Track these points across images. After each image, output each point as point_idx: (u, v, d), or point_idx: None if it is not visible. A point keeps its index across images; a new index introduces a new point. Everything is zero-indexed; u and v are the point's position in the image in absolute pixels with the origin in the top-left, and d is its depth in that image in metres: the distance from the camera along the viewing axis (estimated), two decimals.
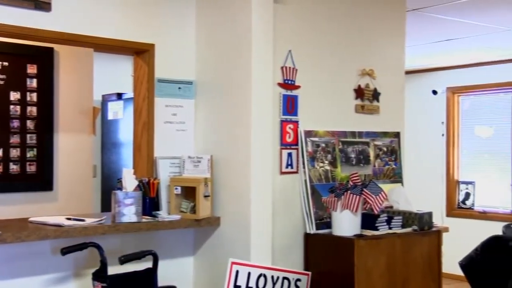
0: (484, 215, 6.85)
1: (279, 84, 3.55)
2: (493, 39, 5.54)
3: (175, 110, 3.60)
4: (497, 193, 6.86)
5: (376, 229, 3.49)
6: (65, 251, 2.94)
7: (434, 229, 3.79)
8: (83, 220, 3.10)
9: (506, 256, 4.22)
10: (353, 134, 3.86)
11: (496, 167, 6.90)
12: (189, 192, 3.41)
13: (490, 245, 4.39)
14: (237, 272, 3.18)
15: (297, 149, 3.62)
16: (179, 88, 3.60)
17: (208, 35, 3.62)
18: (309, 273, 3.47)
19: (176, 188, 3.40)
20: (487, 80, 6.86)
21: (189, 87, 3.64)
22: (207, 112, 3.62)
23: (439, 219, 6.92)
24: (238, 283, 3.19)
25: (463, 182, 7.17)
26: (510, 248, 4.21)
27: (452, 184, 7.21)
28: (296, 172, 3.62)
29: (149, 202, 3.35)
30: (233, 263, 3.19)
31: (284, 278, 3.33)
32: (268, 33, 3.40)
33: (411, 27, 4.50)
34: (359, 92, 3.92)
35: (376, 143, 3.98)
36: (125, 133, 5.60)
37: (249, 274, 3.21)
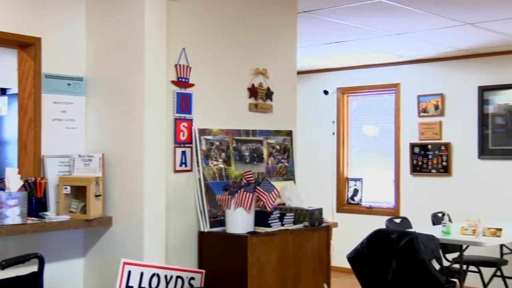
0: (370, 210, 7.21)
1: (173, 82, 3.52)
2: (378, 43, 5.84)
3: (64, 107, 3.46)
4: (382, 189, 7.24)
5: (269, 226, 3.56)
6: None
7: (324, 224, 3.91)
8: None
9: (388, 248, 4.48)
10: (247, 132, 3.91)
11: (381, 165, 7.29)
12: (79, 192, 3.30)
13: (375, 238, 4.65)
14: (129, 272, 3.12)
15: (191, 147, 3.61)
16: (69, 84, 3.47)
17: (99, 30, 3.52)
18: (203, 271, 3.48)
19: (66, 188, 3.28)
20: (373, 81, 7.22)
21: (80, 84, 3.51)
22: (99, 109, 3.51)
23: (330, 215, 7.20)
24: (130, 284, 3.13)
25: (352, 179, 7.49)
26: (392, 241, 4.48)
27: (342, 181, 7.52)
28: (190, 171, 3.61)
29: (36, 203, 3.20)
30: (125, 263, 3.13)
31: (178, 277, 3.31)
32: (161, 30, 3.37)
33: (302, 29, 4.63)
34: (253, 91, 3.98)
35: (269, 141, 4.05)
36: (10, 131, 5.30)
37: (142, 274, 3.16)
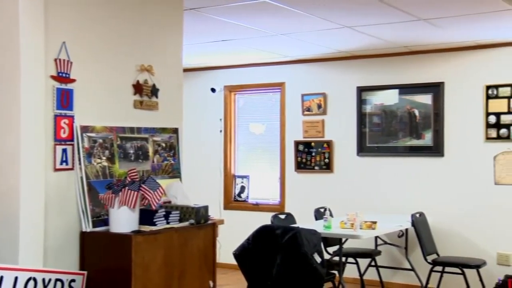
0: (257, 207, 7.34)
1: (53, 77, 3.38)
2: (263, 42, 5.95)
3: None
4: (268, 186, 7.40)
5: (154, 224, 3.53)
6: None
7: (210, 222, 3.94)
8: None
9: (273, 243, 4.60)
10: (131, 129, 3.84)
11: (268, 162, 7.45)
12: None
13: (260, 234, 4.75)
14: (1, 278, 2.95)
15: (72, 145, 3.48)
16: None
17: None
18: (85, 272, 3.37)
19: None
20: (259, 80, 7.35)
21: None
22: None
23: (217, 212, 7.26)
24: None
25: (239, 176, 7.59)
26: (276, 236, 4.60)
27: (229, 178, 7.59)
28: (72, 169, 3.48)
29: None
30: None
31: (57, 279, 3.18)
32: (38, 23, 3.21)
33: (189, 26, 4.62)
34: (138, 88, 3.91)
35: (155, 139, 4.01)
36: None
37: (16, 279, 3.00)
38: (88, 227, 3.47)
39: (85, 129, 3.53)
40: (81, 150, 3.48)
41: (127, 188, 3.40)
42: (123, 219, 3.41)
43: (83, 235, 3.48)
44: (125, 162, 3.75)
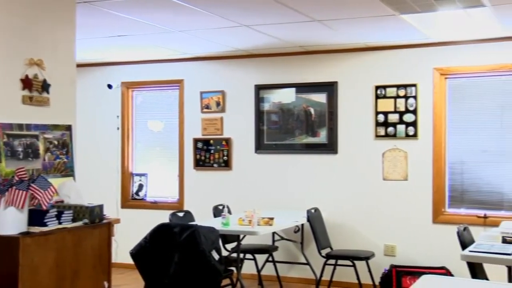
0: (155, 205, 7.26)
1: None
2: (161, 39, 5.88)
3: None
4: (167, 184, 7.34)
5: (44, 225, 3.39)
6: None
7: (105, 221, 3.84)
8: None
9: (171, 241, 4.57)
10: (20, 126, 3.66)
11: (166, 159, 7.38)
12: None
13: (158, 232, 4.71)
14: None
15: None
16: None
17: None
18: None
19: None
20: (158, 77, 7.27)
21: None
22: None
23: (114, 211, 7.10)
24: None
25: (137, 174, 7.46)
26: (174, 234, 4.58)
27: (126, 176, 7.44)
28: None
29: None
30: None
31: None
32: None
33: (83, 20, 4.47)
34: (27, 83, 3.73)
35: (46, 136, 3.85)
36: None
37: None
38: None
39: None
40: None
41: (14, 187, 3.24)
42: (9, 220, 3.24)
43: None
44: (13, 161, 3.57)
